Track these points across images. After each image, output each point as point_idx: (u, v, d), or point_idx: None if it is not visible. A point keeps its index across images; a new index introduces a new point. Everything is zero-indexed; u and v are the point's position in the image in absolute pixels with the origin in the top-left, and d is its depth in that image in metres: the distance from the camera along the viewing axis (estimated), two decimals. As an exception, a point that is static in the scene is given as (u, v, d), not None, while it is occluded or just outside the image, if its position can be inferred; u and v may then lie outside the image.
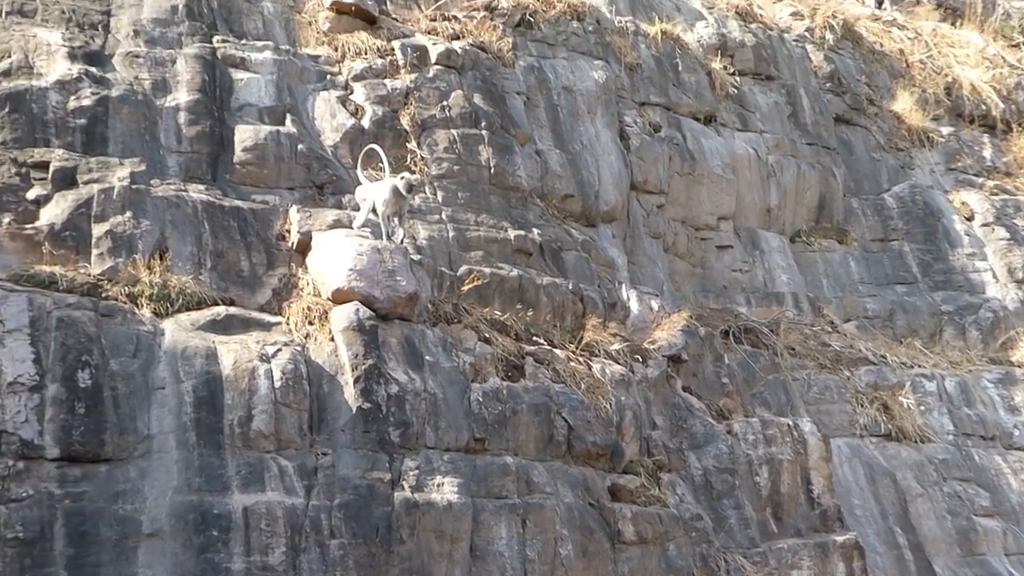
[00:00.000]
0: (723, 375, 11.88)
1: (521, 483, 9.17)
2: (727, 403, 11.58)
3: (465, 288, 10.22)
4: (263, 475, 8.31)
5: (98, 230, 9.22)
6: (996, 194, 15.73)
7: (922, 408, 12.76)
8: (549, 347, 10.29)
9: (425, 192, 10.89)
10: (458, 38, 12.41)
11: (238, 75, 10.84)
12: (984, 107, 16.99)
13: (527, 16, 13.24)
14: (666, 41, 14.47)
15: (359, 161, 10.42)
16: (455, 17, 12.83)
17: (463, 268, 10.42)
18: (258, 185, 10.25)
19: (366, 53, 11.74)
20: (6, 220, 9.09)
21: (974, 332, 14.18)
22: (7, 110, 9.62)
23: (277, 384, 8.61)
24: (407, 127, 11.30)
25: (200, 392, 8.43)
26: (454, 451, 9.06)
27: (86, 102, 9.90)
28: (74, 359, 8.22)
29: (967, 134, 16.69)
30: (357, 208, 10.12)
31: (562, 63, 13.15)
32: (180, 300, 9.03)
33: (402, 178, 9.74)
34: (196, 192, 9.79)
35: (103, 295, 8.79)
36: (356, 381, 8.81)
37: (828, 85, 15.99)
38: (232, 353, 8.68)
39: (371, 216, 9.91)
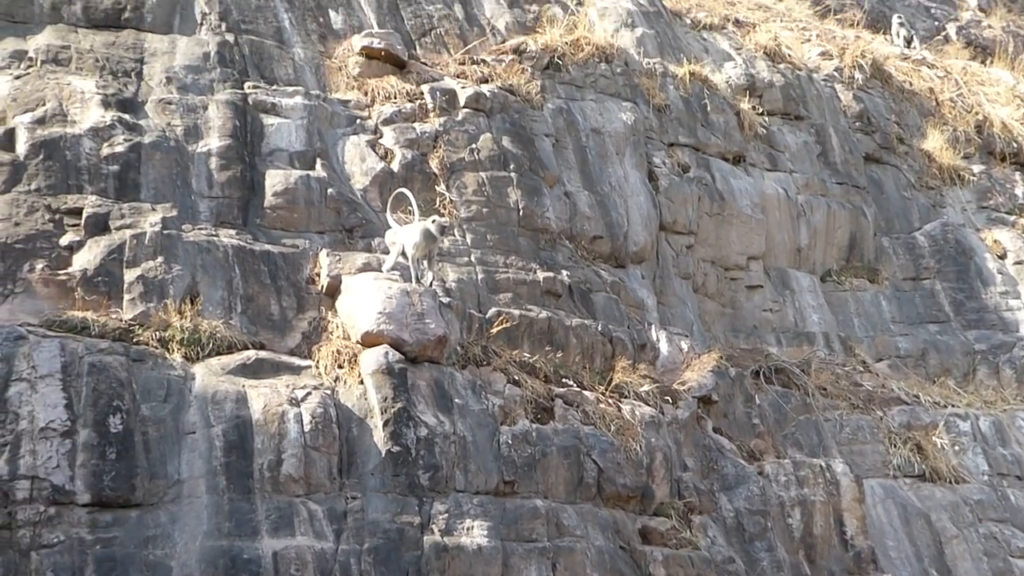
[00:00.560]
0: (754, 416, 11.79)
1: (551, 526, 9.12)
2: (758, 444, 11.49)
3: (494, 330, 10.21)
4: (293, 519, 8.31)
5: (130, 275, 9.27)
6: (1029, 232, 15.64)
7: (956, 448, 12.60)
8: (578, 389, 10.26)
9: (454, 234, 10.89)
10: (486, 81, 12.44)
11: (269, 120, 10.92)
12: (1015, 145, 16.90)
13: (555, 59, 13.28)
14: (694, 82, 14.46)
15: (388, 205, 10.46)
16: (484, 60, 12.86)
17: (492, 310, 10.40)
18: (288, 229, 10.29)
19: (395, 97, 11.79)
20: (39, 266, 9.15)
21: (1008, 371, 14.01)
22: (41, 157, 9.71)
23: (307, 428, 8.63)
24: (436, 170, 11.33)
25: (230, 436, 8.45)
26: (483, 494, 9.03)
27: (119, 148, 9.99)
28: (105, 404, 8.27)
29: (998, 172, 16.59)
30: (386, 251, 10.14)
31: (590, 105, 13.16)
32: (211, 344, 9.06)
33: (433, 221, 9.79)
34: (227, 236, 9.83)
35: (134, 340, 8.83)
36: (385, 424, 8.82)
37: (858, 124, 15.94)
38: (262, 397, 8.71)
39: (400, 259, 9.93)
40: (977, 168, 16.52)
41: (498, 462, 9.20)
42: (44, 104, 10.10)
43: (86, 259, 9.28)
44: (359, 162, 11.11)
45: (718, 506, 10.62)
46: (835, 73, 16.38)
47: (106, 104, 10.30)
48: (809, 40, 17.29)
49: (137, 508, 8.06)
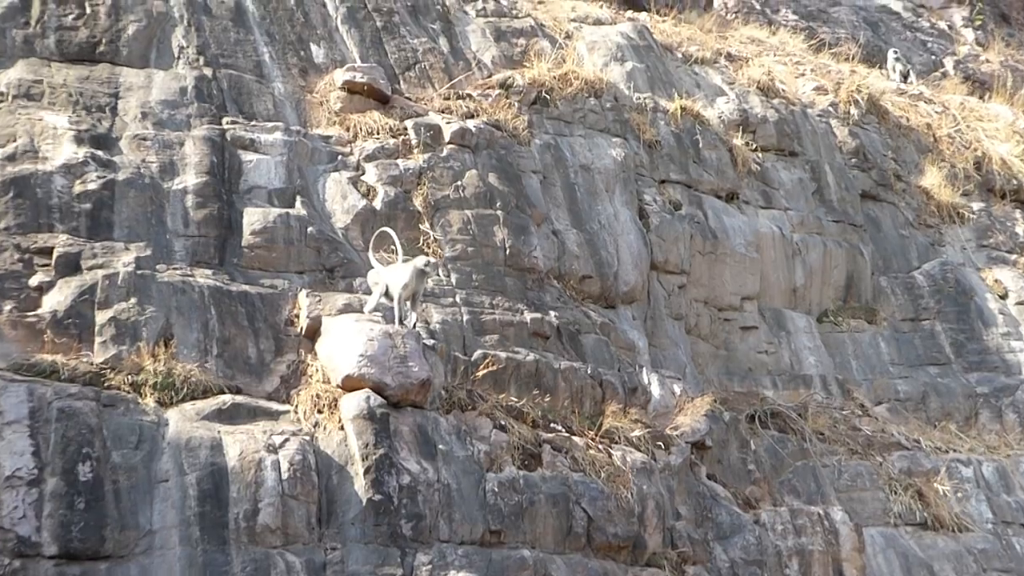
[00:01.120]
0: (749, 462, 11.63)
1: (539, 578, 9.01)
2: (754, 491, 11.35)
3: (480, 373, 10.09)
4: (269, 572, 8.21)
5: (101, 317, 9.14)
6: (1030, 271, 15.54)
7: (959, 495, 12.44)
8: (567, 434, 10.13)
9: (439, 274, 10.78)
10: (472, 116, 12.32)
11: (247, 156, 10.77)
12: (1016, 182, 16.81)
13: (543, 93, 13.15)
14: (686, 117, 14.34)
15: (371, 244, 10.36)
16: (469, 95, 12.76)
17: (478, 353, 10.27)
18: (267, 269, 10.16)
19: (378, 133, 11.65)
20: (7, 308, 9.02)
21: (1011, 415, 13.87)
22: (11, 195, 9.57)
23: (284, 476, 8.53)
24: (420, 208, 11.20)
25: (204, 485, 8.34)
26: (469, 544, 8.92)
27: (92, 186, 9.84)
28: (74, 451, 8.14)
29: (998, 210, 16.51)
30: (368, 292, 10.04)
31: (579, 141, 13.03)
32: (185, 389, 8.96)
33: (426, 262, 9.73)
34: (203, 277, 9.70)
35: (105, 384, 8.73)
36: (367, 472, 8.72)
37: (853, 161, 15.83)
38: (238, 444, 8.60)
39: (384, 300, 9.82)
40: (976, 206, 16.42)
41: (484, 511, 9.08)
42: (15, 140, 9.94)
43: (56, 300, 9.13)
44: (340, 200, 10.96)
45: (712, 556, 10.47)
46: (830, 108, 16.31)
47: (79, 140, 10.14)
48: (803, 75, 17.24)
49: (107, 560, 7.93)
